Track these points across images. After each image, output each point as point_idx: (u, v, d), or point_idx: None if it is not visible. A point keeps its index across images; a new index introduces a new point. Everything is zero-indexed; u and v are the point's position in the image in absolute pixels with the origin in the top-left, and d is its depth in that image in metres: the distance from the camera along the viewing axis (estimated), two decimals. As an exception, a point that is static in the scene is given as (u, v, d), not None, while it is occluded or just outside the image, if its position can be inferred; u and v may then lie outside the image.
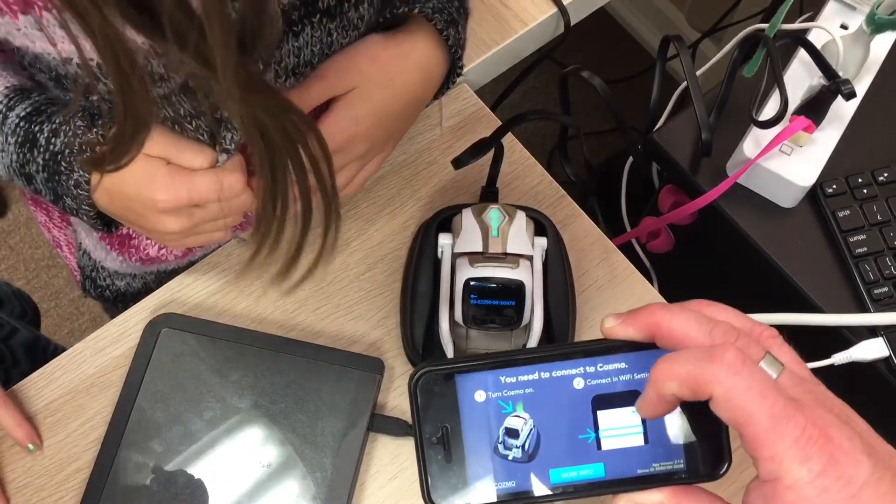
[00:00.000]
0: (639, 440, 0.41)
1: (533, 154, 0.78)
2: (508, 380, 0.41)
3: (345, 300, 0.71)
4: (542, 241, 0.68)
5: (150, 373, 0.66)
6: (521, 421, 0.41)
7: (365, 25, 0.59)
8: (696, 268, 0.96)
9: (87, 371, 0.68)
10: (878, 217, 0.77)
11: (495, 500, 0.41)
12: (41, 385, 0.68)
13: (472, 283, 0.63)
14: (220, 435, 0.64)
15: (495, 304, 0.63)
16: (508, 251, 0.64)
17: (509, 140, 0.77)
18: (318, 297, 0.71)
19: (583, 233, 0.74)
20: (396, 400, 0.68)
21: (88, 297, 0.81)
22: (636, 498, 0.40)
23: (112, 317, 0.70)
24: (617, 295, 0.72)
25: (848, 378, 0.65)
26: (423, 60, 0.61)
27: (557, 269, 0.69)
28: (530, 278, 0.64)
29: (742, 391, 0.34)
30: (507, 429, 0.41)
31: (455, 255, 0.66)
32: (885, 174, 0.79)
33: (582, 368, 0.41)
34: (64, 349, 0.89)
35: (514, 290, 0.63)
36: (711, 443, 0.41)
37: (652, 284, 0.73)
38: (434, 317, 0.68)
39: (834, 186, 0.79)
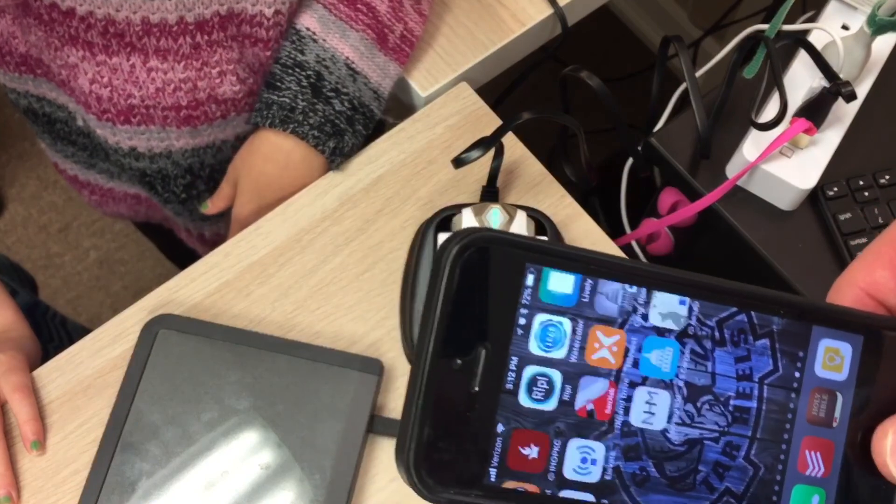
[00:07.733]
0: None
1: (533, 153, 0.78)
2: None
3: (344, 300, 0.71)
4: (542, 243, 0.67)
5: (148, 374, 0.65)
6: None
7: None
8: (695, 270, 0.95)
9: (83, 372, 0.68)
10: (880, 220, 0.77)
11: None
12: (38, 386, 0.67)
13: (471, 284, 0.63)
14: (218, 437, 0.64)
15: (495, 305, 0.63)
16: (508, 252, 0.64)
17: (510, 139, 0.77)
18: (317, 298, 0.71)
19: (584, 233, 0.74)
20: (396, 401, 0.67)
21: None
22: None
23: None
24: (617, 296, 0.71)
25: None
26: (280, 157, 0.75)
27: (558, 271, 0.69)
28: (530, 280, 0.64)
29: None
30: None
31: (455, 256, 0.66)
32: (887, 176, 0.79)
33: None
34: (64, 317, 0.89)
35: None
36: None
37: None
38: (433, 318, 0.67)
39: (835, 189, 0.78)
